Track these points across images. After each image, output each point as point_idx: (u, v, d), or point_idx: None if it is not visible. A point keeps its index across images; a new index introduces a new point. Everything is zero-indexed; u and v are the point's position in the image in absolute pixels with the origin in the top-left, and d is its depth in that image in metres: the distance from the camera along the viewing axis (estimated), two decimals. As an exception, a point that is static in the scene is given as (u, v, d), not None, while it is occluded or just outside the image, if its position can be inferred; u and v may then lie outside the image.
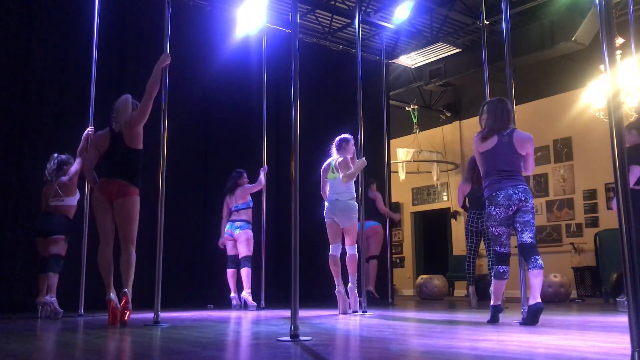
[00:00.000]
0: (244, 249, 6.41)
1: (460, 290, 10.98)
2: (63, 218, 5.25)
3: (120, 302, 3.99)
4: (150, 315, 4.06)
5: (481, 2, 5.24)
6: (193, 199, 7.31)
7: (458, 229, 11.56)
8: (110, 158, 4.26)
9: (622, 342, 2.57)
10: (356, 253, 5.27)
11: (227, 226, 6.53)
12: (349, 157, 5.30)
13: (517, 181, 3.90)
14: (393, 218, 8.19)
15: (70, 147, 5.72)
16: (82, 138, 5.46)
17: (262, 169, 6.73)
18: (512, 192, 3.85)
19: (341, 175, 5.17)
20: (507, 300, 6.50)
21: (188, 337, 3.25)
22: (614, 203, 5.48)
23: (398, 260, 12.64)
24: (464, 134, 11.91)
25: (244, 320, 4.71)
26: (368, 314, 5.03)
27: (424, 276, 10.01)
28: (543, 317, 3.82)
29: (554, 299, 7.85)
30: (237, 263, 6.47)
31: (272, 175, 7.55)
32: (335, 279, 5.25)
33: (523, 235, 3.87)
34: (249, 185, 6.61)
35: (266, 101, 7.00)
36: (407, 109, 12.03)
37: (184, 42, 7.22)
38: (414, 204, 12.95)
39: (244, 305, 6.27)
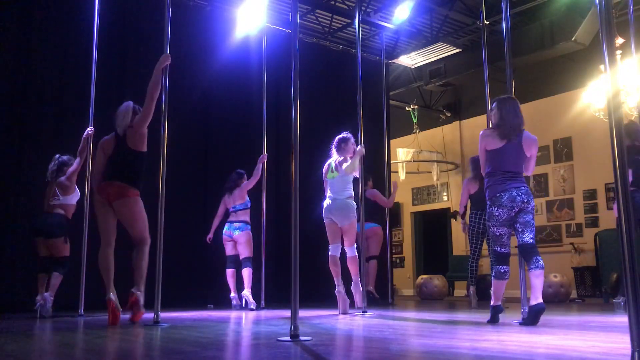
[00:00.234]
0: (245, 250, 6.44)
1: (460, 290, 10.98)
2: (61, 218, 5.28)
3: (128, 301, 4.02)
4: (150, 315, 4.06)
5: (481, 2, 5.24)
6: (193, 199, 7.31)
7: (458, 229, 11.52)
8: (113, 160, 4.28)
9: (622, 342, 2.57)
10: (356, 254, 5.27)
11: (225, 227, 6.55)
12: (349, 156, 5.31)
13: (520, 182, 3.91)
14: (394, 194, 7.81)
15: (71, 147, 5.73)
16: (82, 138, 5.48)
17: (260, 157, 6.66)
18: (515, 194, 3.85)
19: (343, 167, 5.19)
20: (507, 300, 6.50)
21: (188, 337, 3.25)
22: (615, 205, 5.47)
23: (398, 260, 12.64)
24: (464, 134, 11.91)
25: (244, 320, 4.71)
26: (368, 314, 5.03)
27: (424, 276, 10.01)
28: (543, 317, 3.82)
29: (554, 299, 7.85)
30: (236, 263, 6.48)
31: (272, 175, 7.55)
32: (335, 279, 5.25)
33: (524, 236, 3.87)
34: (247, 182, 6.60)
35: (266, 101, 6.99)
36: (407, 109, 12.03)
37: (184, 42, 7.22)
38: (414, 204, 12.95)
39: (245, 304, 6.28)
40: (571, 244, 9.60)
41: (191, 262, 7.01)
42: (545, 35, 9.15)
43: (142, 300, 4.10)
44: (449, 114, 12.16)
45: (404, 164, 11.53)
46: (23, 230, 5.96)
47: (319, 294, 7.18)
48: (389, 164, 9.22)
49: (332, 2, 8.64)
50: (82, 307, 5.20)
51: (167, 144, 4.36)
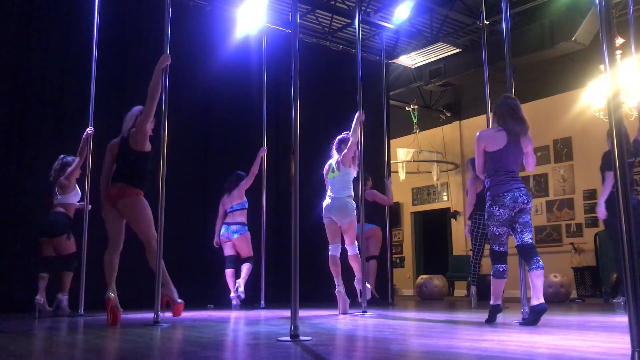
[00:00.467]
0: (245, 251, 6.54)
1: (460, 290, 10.98)
2: (62, 216, 5.39)
3: (162, 303, 4.15)
4: (150, 315, 4.06)
5: (481, 2, 5.24)
6: (193, 199, 7.31)
7: (458, 229, 11.56)
8: (118, 163, 4.34)
9: (622, 342, 2.57)
10: (357, 252, 5.27)
11: (223, 229, 6.57)
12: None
13: (520, 183, 3.95)
14: (389, 191, 7.75)
15: (71, 147, 5.73)
16: (82, 138, 5.49)
17: (260, 151, 6.64)
18: (518, 195, 3.87)
19: (341, 154, 5.23)
20: (507, 300, 6.50)
21: (188, 337, 3.25)
22: (599, 209, 5.49)
23: (398, 260, 12.64)
24: (464, 134, 11.91)
25: (244, 320, 4.71)
26: (368, 314, 5.03)
27: (424, 276, 10.01)
28: (543, 317, 3.82)
29: (554, 299, 7.85)
30: (235, 263, 6.54)
31: (272, 175, 7.55)
32: (335, 279, 5.26)
33: (523, 236, 3.88)
34: (245, 181, 6.59)
35: (266, 101, 6.99)
36: (407, 109, 12.03)
37: (184, 42, 7.22)
38: (414, 204, 12.95)
39: (235, 290, 6.30)
40: (571, 244, 9.60)
41: (191, 262, 7.01)
42: (545, 35, 9.15)
43: (175, 297, 4.20)
44: (449, 114, 12.16)
45: (404, 164, 11.53)
46: (23, 230, 5.97)
47: (319, 294, 7.18)
48: (389, 164, 9.22)
49: (332, 2, 8.63)
50: (82, 307, 5.20)
51: (167, 144, 4.36)
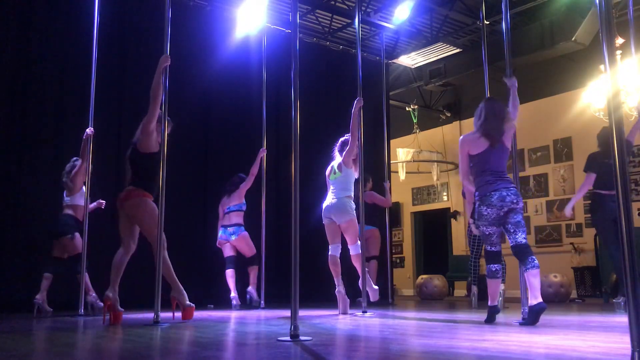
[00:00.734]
0: (247, 251, 6.57)
1: (460, 290, 10.99)
2: (68, 217, 5.49)
3: (172, 305, 4.26)
4: (150, 315, 4.06)
5: (481, 2, 5.24)
6: (193, 199, 7.30)
7: (458, 229, 11.56)
8: (130, 167, 4.40)
9: (622, 342, 2.57)
10: (360, 251, 5.28)
11: (220, 231, 6.62)
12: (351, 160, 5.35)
13: (508, 182, 3.97)
14: (388, 192, 7.75)
15: (70, 147, 5.74)
16: (82, 139, 5.50)
17: (260, 151, 6.65)
18: (505, 194, 3.88)
19: (345, 152, 5.27)
20: (507, 300, 6.50)
21: (188, 337, 3.25)
22: (567, 208, 5.60)
23: (398, 260, 12.64)
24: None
25: (244, 320, 4.71)
26: (368, 314, 5.03)
27: (424, 276, 10.01)
28: (543, 317, 3.82)
29: (554, 299, 7.85)
30: (235, 263, 6.57)
31: (272, 175, 7.55)
32: (335, 279, 5.26)
33: (517, 236, 3.89)
34: (244, 183, 6.61)
35: (266, 101, 6.99)
36: (407, 109, 12.03)
37: (184, 42, 7.21)
38: (414, 204, 12.95)
39: (250, 301, 6.32)
40: (571, 244, 9.60)
41: (191, 262, 7.00)
42: (545, 35, 9.14)
43: (183, 300, 4.24)
44: (449, 114, 12.16)
45: (404, 164, 11.53)
46: (24, 230, 5.97)
47: (319, 294, 7.18)
48: (389, 164, 9.22)
49: (332, 2, 8.63)
50: (82, 307, 5.20)
51: (167, 144, 4.36)
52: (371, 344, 2.90)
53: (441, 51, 10.04)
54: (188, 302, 4.27)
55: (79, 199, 5.54)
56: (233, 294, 6.40)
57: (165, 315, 4.21)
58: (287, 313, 3.85)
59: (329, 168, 5.49)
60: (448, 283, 10.40)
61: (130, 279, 4.31)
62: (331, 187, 5.37)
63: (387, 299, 7.67)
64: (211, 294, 6.93)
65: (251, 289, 6.44)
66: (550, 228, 10.08)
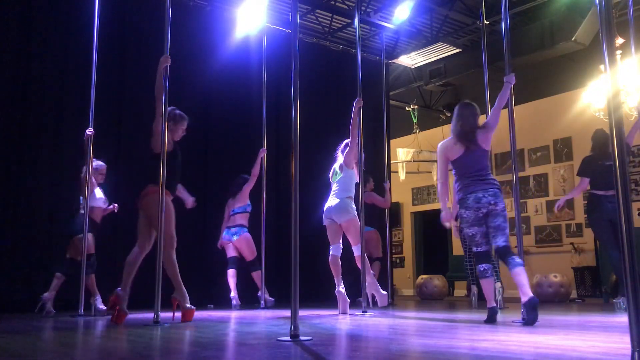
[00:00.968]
0: (247, 253, 6.58)
1: (460, 290, 10.98)
2: (79, 218, 5.49)
3: (173, 306, 4.28)
4: (150, 315, 4.06)
5: (481, 2, 5.26)
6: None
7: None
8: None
9: (622, 342, 2.57)
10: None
11: (224, 233, 6.63)
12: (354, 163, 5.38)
13: (488, 184, 3.99)
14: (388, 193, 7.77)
15: (70, 147, 5.73)
16: (84, 140, 5.51)
17: (260, 152, 6.66)
18: (481, 195, 3.93)
19: (346, 151, 5.31)
20: (507, 300, 6.50)
21: (188, 337, 3.25)
22: (557, 204, 5.66)
23: (398, 260, 12.64)
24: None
25: (244, 320, 4.71)
26: (368, 314, 5.03)
27: (424, 276, 10.01)
28: (543, 317, 3.82)
29: (554, 299, 7.85)
30: (237, 264, 6.59)
31: (272, 175, 7.55)
32: (335, 279, 5.26)
33: (497, 240, 3.95)
34: (247, 184, 6.62)
35: (266, 101, 6.99)
36: (407, 109, 12.02)
37: (184, 42, 7.21)
38: (414, 204, 12.95)
39: (265, 303, 6.36)
40: (571, 244, 9.60)
41: (191, 262, 6.99)
42: (545, 35, 9.14)
43: (184, 302, 4.24)
44: (449, 114, 12.13)
45: (404, 164, 11.52)
46: (24, 229, 5.97)
47: (319, 294, 7.18)
48: (389, 164, 9.22)
49: (332, 2, 8.63)
50: (82, 307, 5.20)
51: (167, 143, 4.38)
52: (371, 344, 2.90)
53: (441, 51, 10.04)
54: (189, 305, 4.26)
55: (91, 201, 5.55)
56: (233, 293, 6.41)
57: (165, 315, 4.21)
58: (287, 313, 3.85)
59: (331, 170, 5.53)
60: (448, 283, 10.40)
61: (135, 281, 4.32)
62: (333, 188, 5.41)
63: (387, 299, 7.65)
64: (211, 294, 6.93)
65: (261, 293, 6.45)
66: (550, 228, 10.08)
